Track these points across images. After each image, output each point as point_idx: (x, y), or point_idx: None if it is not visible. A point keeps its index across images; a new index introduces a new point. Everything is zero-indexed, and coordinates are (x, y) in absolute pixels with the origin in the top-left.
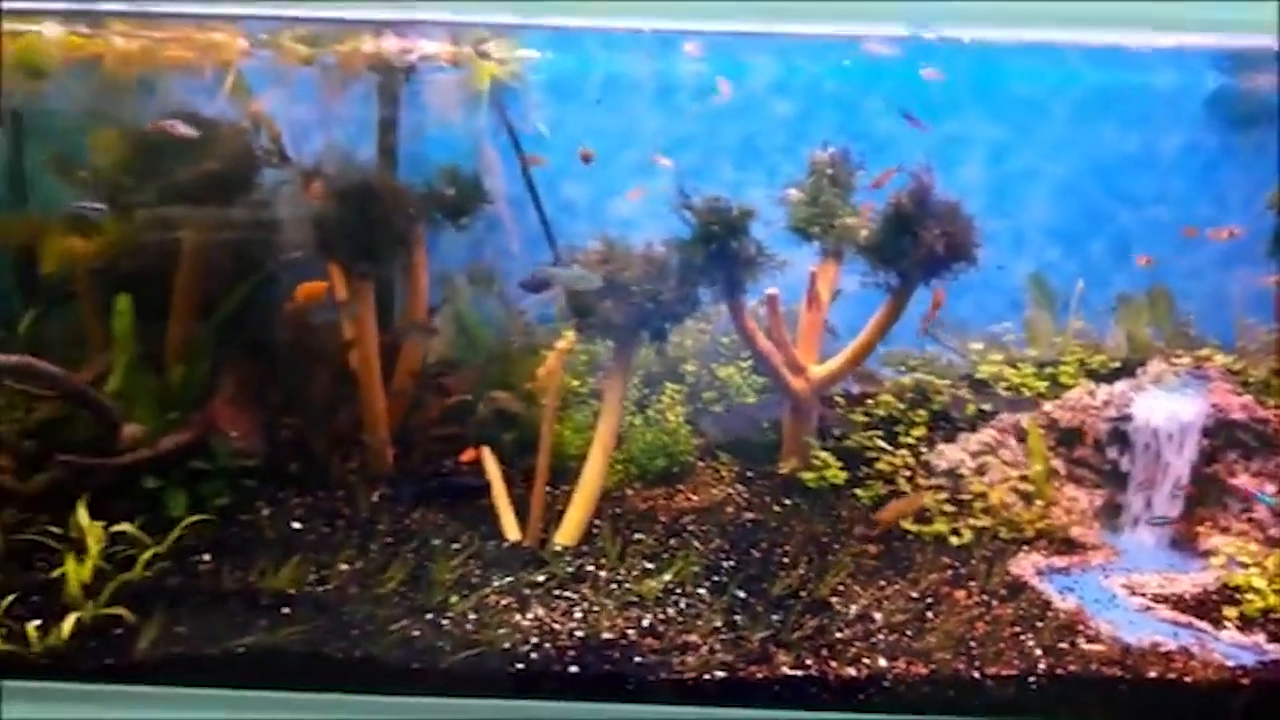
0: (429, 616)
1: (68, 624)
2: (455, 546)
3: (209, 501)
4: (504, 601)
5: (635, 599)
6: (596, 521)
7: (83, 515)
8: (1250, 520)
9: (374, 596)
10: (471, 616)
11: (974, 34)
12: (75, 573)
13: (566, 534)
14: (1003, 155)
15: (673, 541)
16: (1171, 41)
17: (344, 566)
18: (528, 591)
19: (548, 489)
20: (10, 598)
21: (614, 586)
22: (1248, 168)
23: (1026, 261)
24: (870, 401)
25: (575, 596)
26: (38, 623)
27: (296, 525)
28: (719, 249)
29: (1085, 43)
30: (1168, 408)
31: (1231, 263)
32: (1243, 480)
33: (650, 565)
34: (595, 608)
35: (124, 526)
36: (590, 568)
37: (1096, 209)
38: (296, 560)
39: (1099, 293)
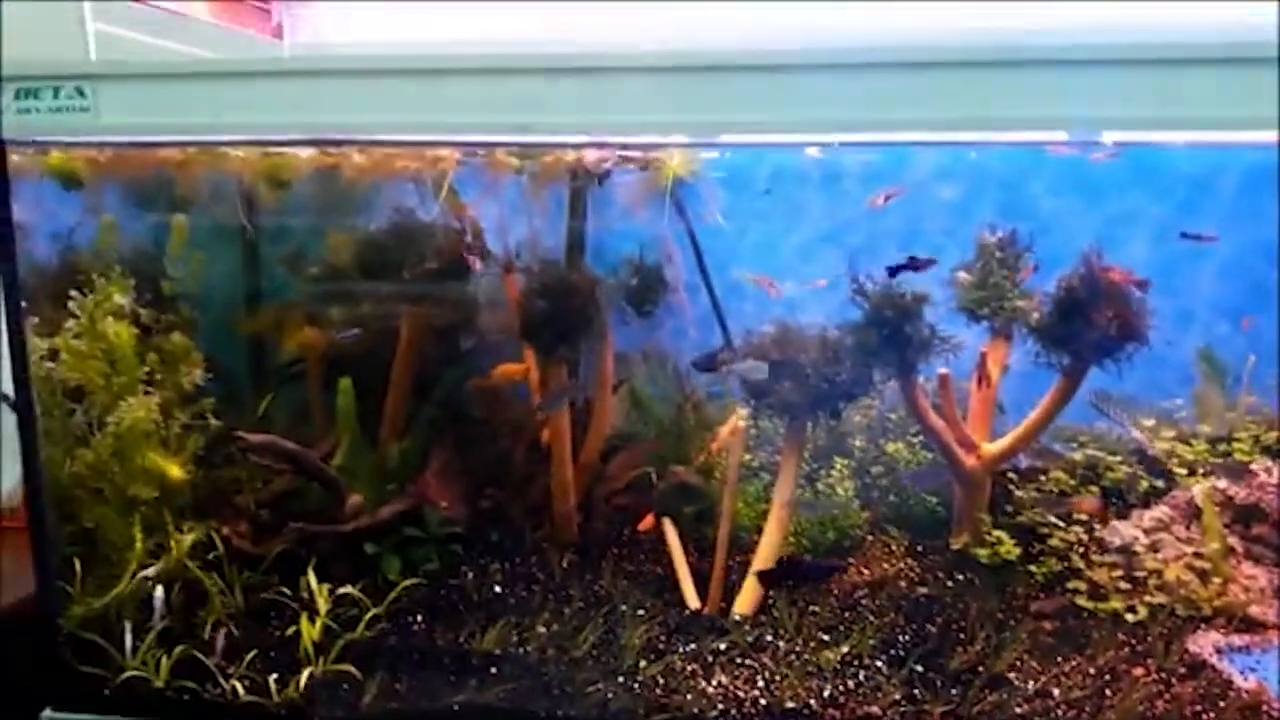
0: (621, 680)
1: (303, 678)
2: (640, 613)
3: (420, 566)
4: (689, 667)
5: (814, 669)
6: (772, 593)
7: (312, 578)
8: None
9: (570, 659)
10: (660, 681)
11: (1134, 137)
12: (307, 631)
13: (744, 604)
14: (1166, 233)
15: (847, 614)
16: None
17: (542, 630)
18: (711, 659)
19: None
20: (252, 653)
21: (793, 657)
22: None
23: (1194, 337)
24: (1043, 478)
25: (756, 665)
26: (275, 677)
27: (498, 589)
28: (892, 333)
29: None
30: None
31: None
32: None
33: (826, 637)
34: (777, 676)
35: (348, 589)
36: (769, 637)
37: (1265, 284)
38: (501, 623)
39: (1270, 368)
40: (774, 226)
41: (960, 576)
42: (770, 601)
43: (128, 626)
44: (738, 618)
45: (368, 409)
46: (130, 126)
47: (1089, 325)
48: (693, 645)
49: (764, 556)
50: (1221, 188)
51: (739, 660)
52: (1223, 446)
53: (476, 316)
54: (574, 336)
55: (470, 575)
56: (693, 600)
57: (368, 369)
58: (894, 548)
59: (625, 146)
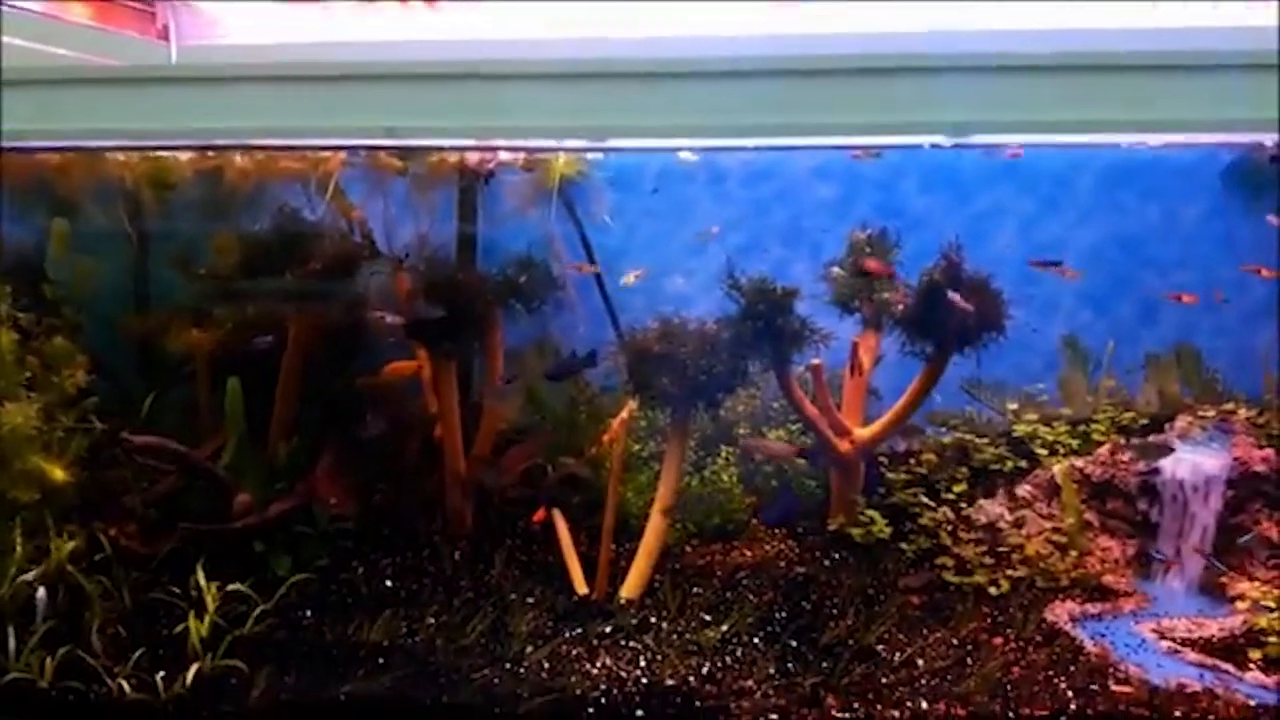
0: (508, 665)
1: (190, 674)
2: (530, 600)
3: (310, 562)
4: (575, 651)
5: (695, 648)
6: (657, 576)
7: (201, 576)
8: (1276, 566)
9: (458, 648)
10: (546, 666)
11: (1008, 140)
12: (195, 628)
13: (631, 588)
14: (1034, 227)
15: (729, 594)
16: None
17: (431, 620)
18: (596, 642)
19: (613, 546)
20: (139, 651)
21: (675, 636)
22: (1267, 231)
23: (1058, 324)
24: (913, 460)
25: (639, 646)
26: (163, 674)
27: (388, 583)
28: (766, 326)
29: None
30: (1193, 461)
31: (1257, 320)
32: (1266, 528)
33: (708, 616)
34: (659, 656)
35: (237, 586)
36: (653, 619)
37: (1124, 274)
38: (389, 615)
39: (1129, 351)
40: (661, 225)
41: (836, 555)
42: (656, 584)
43: (10, 629)
44: (624, 601)
45: (256, 408)
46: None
47: (948, 315)
48: (579, 630)
49: (650, 541)
50: (1082, 185)
51: (623, 642)
52: (1082, 428)
53: (365, 316)
54: (463, 334)
55: (360, 569)
56: (581, 587)
57: (256, 369)
58: (776, 530)
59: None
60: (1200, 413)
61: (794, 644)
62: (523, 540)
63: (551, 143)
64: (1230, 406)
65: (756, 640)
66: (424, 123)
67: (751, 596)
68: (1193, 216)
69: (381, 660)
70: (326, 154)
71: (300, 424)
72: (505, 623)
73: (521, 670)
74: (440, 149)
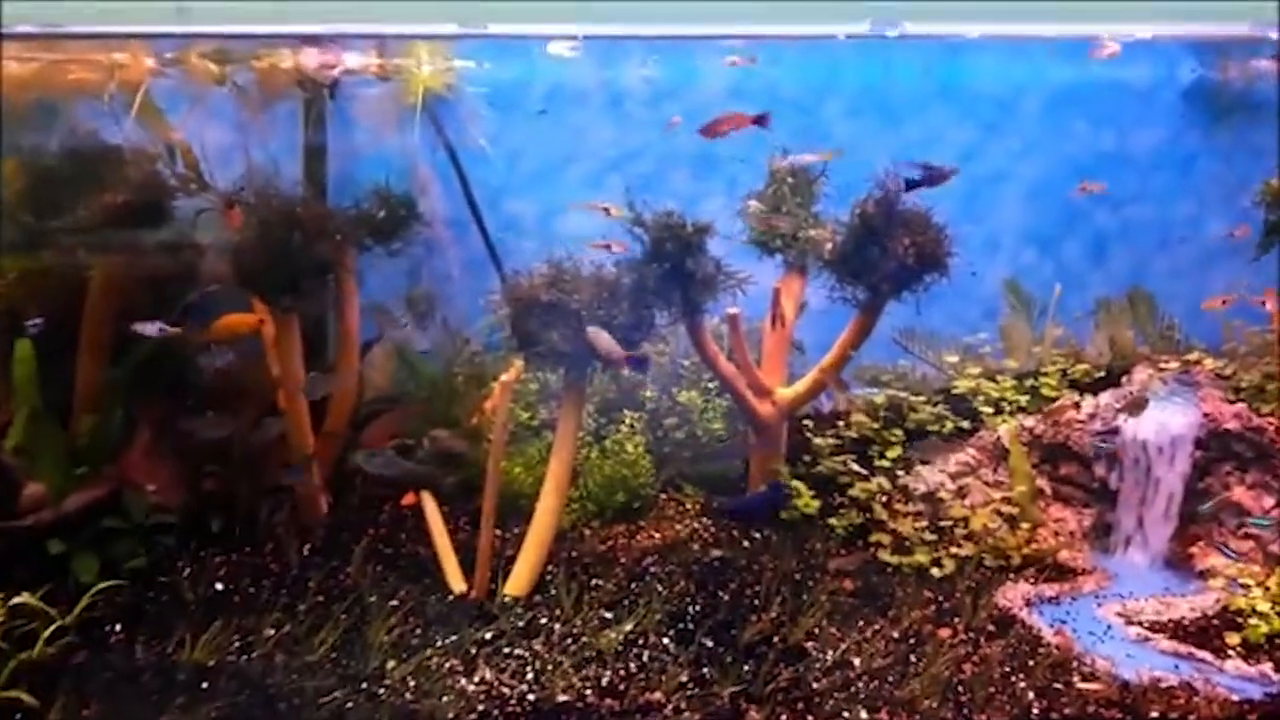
0: (363, 685)
1: None
2: (393, 604)
3: (122, 565)
4: (447, 664)
5: (593, 654)
6: (550, 567)
7: None
8: (1248, 536)
9: (303, 665)
10: (410, 684)
11: (939, 29)
12: None
13: (517, 583)
14: (972, 157)
15: (634, 586)
16: (1148, 33)
17: (270, 631)
18: (474, 651)
19: (498, 533)
20: None
21: (569, 641)
22: (1229, 161)
23: (1000, 267)
24: (842, 423)
25: (526, 654)
26: None
27: (219, 586)
28: (673, 267)
29: (1054, 36)
30: (1157, 419)
31: (1216, 262)
32: (1239, 494)
33: (609, 614)
34: (549, 666)
35: (24, 598)
36: (543, 620)
37: (1072, 210)
38: (218, 627)
39: (1077, 296)
40: (553, 152)
41: (757, 535)
42: (548, 577)
43: None
44: (508, 600)
45: (53, 376)
46: None
47: (884, 255)
48: (453, 637)
49: (540, 526)
50: (1027, 110)
51: (506, 650)
52: (1030, 382)
53: (189, 260)
54: (306, 282)
55: (186, 571)
56: (457, 584)
57: (51, 328)
58: (689, 506)
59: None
60: (1161, 364)
61: (710, 644)
62: (389, 529)
63: (407, 29)
64: (1194, 356)
65: (666, 641)
66: None
67: (660, 587)
68: (1149, 144)
69: (205, 685)
70: (122, 59)
71: (108, 394)
72: (362, 632)
73: (380, 690)
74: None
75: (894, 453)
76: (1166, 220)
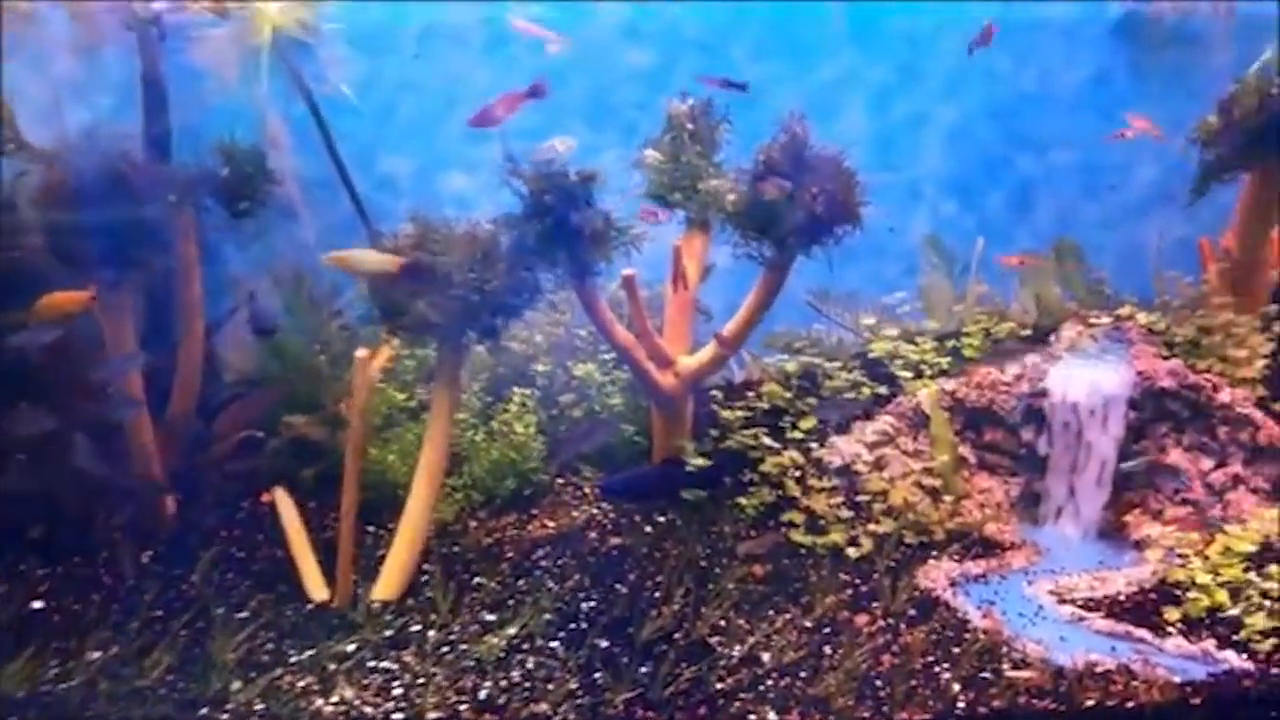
0: (203, 711)
1: None
2: (242, 616)
3: None
4: (301, 683)
5: (471, 663)
6: (427, 566)
7: None
8: (1185, 502)
9: (131, 691)
10: (258, 707)
11: None
12: None
13: (386, 586)
14: (888, 100)
15: (521, 583)
16: None
17: (95, 654)
18: (333, 666)
19: (370, 529)
20: None
21: (445, 650)
22: (1161, 101)
23: (920, 220)
24: (752, 394)
25: (394, 667)
26: None
27: (37, 605)
28: (556, 223)
29: None
30: (1087, 378)
31: (1147, 209)
32: (1175, 456)
33: (492, 617)
34: (419, 679)
35: None
36: (415, 628)
37: (993, 157)
38: (32, 651)
39: (1001, 250)
40: (428, 101)
41: (660, 519)
42: (423, 578)
43: None
44: (376, 606)
45: None
46: None
47: (791, 205)
48: (310, 651)
49: (411, 522)
50: (946, 49)
51: (372, 664)
52: (951, 343)
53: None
54: (136, 251)
55: None
56: (317, 591)
57: None
58: (587, 491)
59: None
60: (1091, 320)
61: (605, 644)
62: (243, 531)
63: None
64: (1125, 311)
65: (555, 644)
66: None
67: (551, 583)
68: (1075, 84)
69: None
70: None
71: None
72: (205, 649)
73: (223, 716)
74: None
75: (808, 423)
76: (1095, 166)
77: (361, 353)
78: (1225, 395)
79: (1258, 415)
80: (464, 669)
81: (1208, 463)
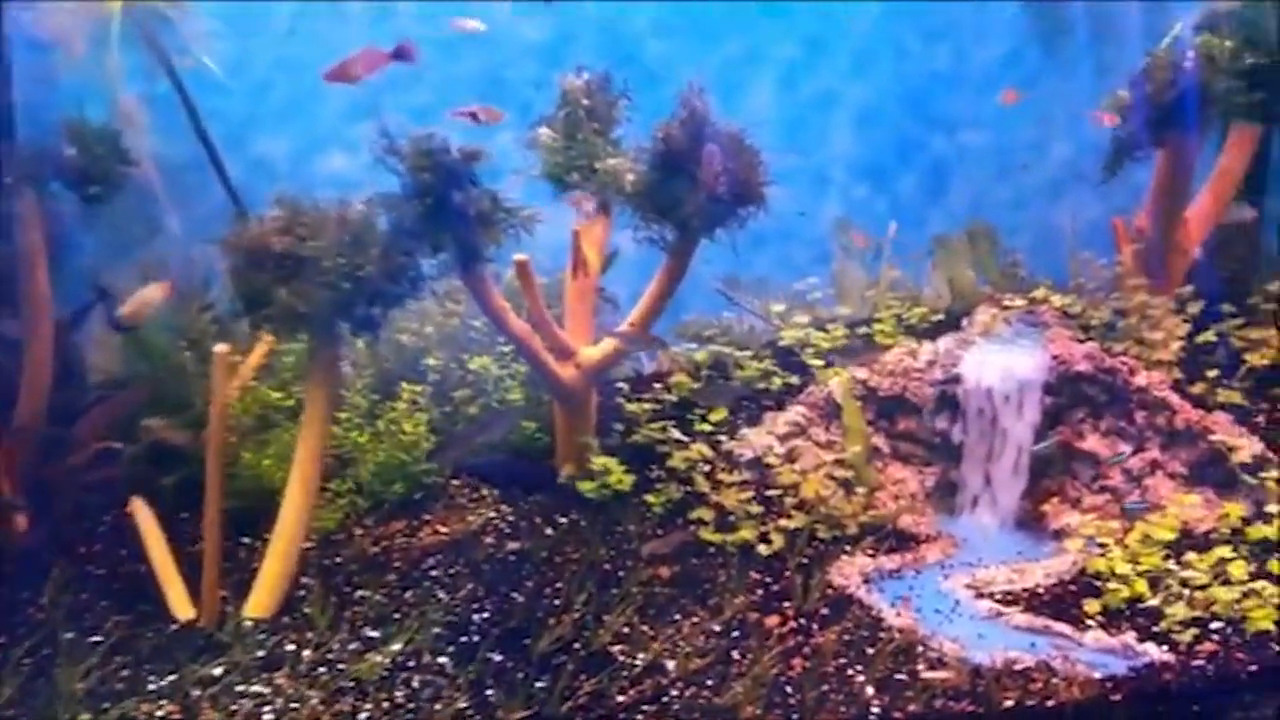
0: None
1: None
2: (96, 640)
3: None
4: (160, 711)
5: (350, 684)
6: (305, 579)
7: None
8: (1104, 489)
9: None
10: None
11: None
12: None
13: (259, 603)
14: (795, 79)
15: (409, 595)
16: None
17: None
18: (197, 692)
19: (246, 541)
20: None
21: (322, 669)
22: (1074, 77)
23: (831, 204)
24: (659, 385)
25: (266, 691)
26: None
27: None
28: (437, 204)
29: None
30: (1001, 364)
31: (1060, 189)
32: (1093, 442)
33: (375, 633)
34: (293, 703)
35: None
36: (290, 646)
37: (905, 138)
38: None
39: (914, 234)
40: (305, 77)
41: (562, 520)
42: (301, 592)
43: None
44: (248, 624)
45: None
46: None
47: (692, 185)
48: (171, 677)
49: (286, 532)
50: (856, 27)
51: (240, 688)
52: (863, 330)
53: None
54: None
55: None
56: (183, 609)
57: None
58: (484, 493)
59: None
60: (1005, 303)
61: (498, 658)
62: (104, 547)
63: None
64: (1040, 294)
65: (444, 660)
66: None
67: (442, 593)
68: (986, 62)
69: None
70: None
71: None
72: (50, 678)
73: None
74: None
75: (718, 415)
76: (1007, 146)
77: (221, 348)
78: (1142, 379)
79: (1174, 399)
80: (342, 690)
81: (1126, 448)
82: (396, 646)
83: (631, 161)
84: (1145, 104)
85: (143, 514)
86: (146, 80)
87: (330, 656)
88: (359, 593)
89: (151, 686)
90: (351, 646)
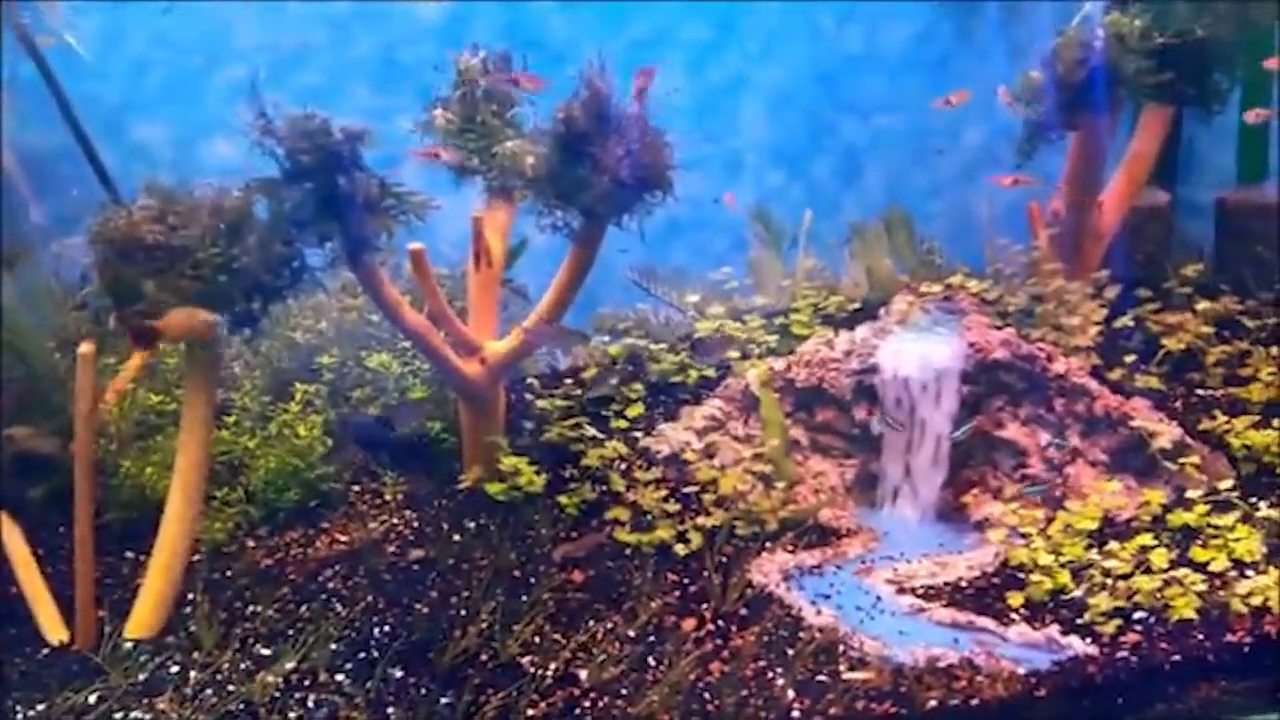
0: None
1: None
2: None
3: None
4: None
5: (239, 706)
6: (192, 595)
7: None
8: (1026, 478)
9: None
10: None
11: None
12: None
13: (140, 623)
14: (706, 61)
15: (305, 609)
16: None
17: None
18: None
19: (130, 555)
20: None
21: (210, 691)
22: (988, 58)
23: (746, 190)
24: (570, 380)
25: (147, 717)
26: None
27: None
28: (320, 190)
29: None
30: (918, 352)
31: (977, 173)
32: (1013, 431)
33: (267, 651)
34: None
35: None
36: (175, 668)
37: (819, 123)
38: None
39: (830, 222)
40: (186, 59)
41: (470, 525)
42: (187, 610)
43: None
44: (129, 646)
45: None
46: None
47: (596, 169)
48: (41, 705)
49: (168, 546)
50: (768, 7)
51: (119, 714)
52: (780, 320)
53: None
54: None
55: None
56: (56, 631)
57: None
58: (388, 498)
59: None
60: (922, 291)
61: (400, 674)
62: None
63: None
64: (956, 280)
65: (341, 678)
66: None
67: (340, 606)
68: (899, 43)
69: None
70: None
71: None
72: None
73: None
74: None
75: (634, 411)
76: (922, 130)
77: (84, 348)
78: (1060, 365)
79: (1093, 385)
80: (231, 713)
81: (1045, 436)
82: (290, 665)
83: (532, 144)
84: (1056, 85)
85: (8, 530)
86: (10, 63)
87: (219, 677)
88: (250, 608)
89: (20, 718)
90: (242, 666)
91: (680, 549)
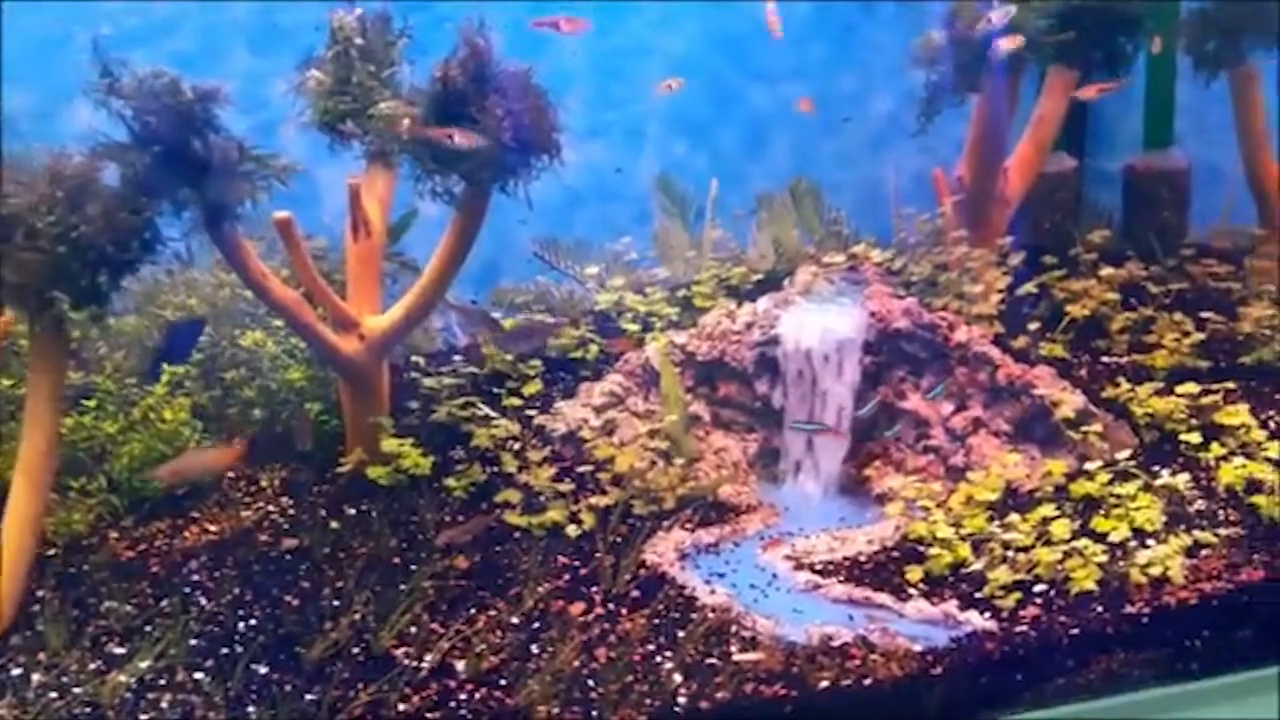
0: None
1: None
2: None
3: None
4: None
5: (86, 710)
6: (41, 592)
7: None
8: (928, 449)
9: None
10: None
11: None
12: None
13: None
14: (606, 27)
15: (165, 604)
16: None
17: None
18: None
19: None
20: None
21: (54, 694)
22: (892, 22)
23: (649, 160)
24: (462, 357)
25: None
26: None
27: None
28: (170, 153)
29: None
30: (819, 323)
31: (885, 142)
32: (915, 402)
33: (120, 649)
34: None
35: None
36: (17, 670)
37: (724, 91)
38: None
39: (737, 192)
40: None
41: (350, 511)
42: (36, 607)
43: None
44: None
45: None
46: None
47: (476, 130)
48: None
49: (14, 539)
50: None
51: None
52: (682, 293)
53: None
54: None
55: None
56: None
57: None
58: (264, 485)
59: None
60: (825, 260)
61: (264, 670)
62: None
63: None
64: (859, 250)
65: (200, 676)
66: None
67: (204, 600)
68: (802, 10)
69: None
70: None
71: None
72: None
73: None
74: None
75: (531, 388)
76: (828, 99)
77: None
78: (962, 334)
79: (995, 353)
80: (76, 717)
81: (948, 407)
82: (145, 663)
83: (409, 106)
84: (955, 45)
85: None
86: None
87: (64, 679)
88: (105, 604)
89: None
90: (91, 666)
91: (573, 530)
